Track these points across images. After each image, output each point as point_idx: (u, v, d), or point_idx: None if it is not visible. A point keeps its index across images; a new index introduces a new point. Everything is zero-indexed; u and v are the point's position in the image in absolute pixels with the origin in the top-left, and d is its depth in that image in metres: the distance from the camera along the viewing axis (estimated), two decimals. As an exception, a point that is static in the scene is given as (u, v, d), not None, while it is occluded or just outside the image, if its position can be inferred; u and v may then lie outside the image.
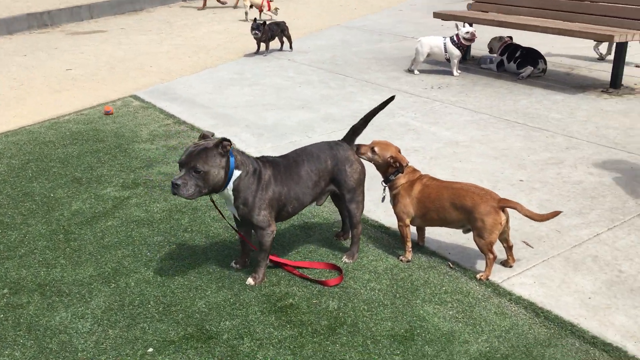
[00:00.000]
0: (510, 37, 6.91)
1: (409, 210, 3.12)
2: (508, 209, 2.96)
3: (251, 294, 2.93)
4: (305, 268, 3.12)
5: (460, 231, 3.29)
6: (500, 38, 6.91)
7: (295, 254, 3.27)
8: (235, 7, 12.38)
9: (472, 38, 6.52)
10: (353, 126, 3.26)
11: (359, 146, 3.23)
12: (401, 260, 3.18)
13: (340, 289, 2.96)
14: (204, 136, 2.82)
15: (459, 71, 6.72)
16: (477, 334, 2.62)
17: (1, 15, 10.20)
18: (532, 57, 6.51)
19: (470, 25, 6.85)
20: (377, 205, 3.76)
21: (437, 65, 7.11)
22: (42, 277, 3.13)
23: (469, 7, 7.57)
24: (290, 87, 6.44)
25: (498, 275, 3.03)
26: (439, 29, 8.91)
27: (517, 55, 6.60)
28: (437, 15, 7.23)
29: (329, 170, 3.08)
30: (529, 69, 6.46)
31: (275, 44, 8.20)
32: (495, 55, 6.90)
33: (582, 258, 3.15)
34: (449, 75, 6.72)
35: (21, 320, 2.80)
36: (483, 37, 7.81)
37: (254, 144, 4.90)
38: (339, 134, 5.03)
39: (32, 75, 7.29)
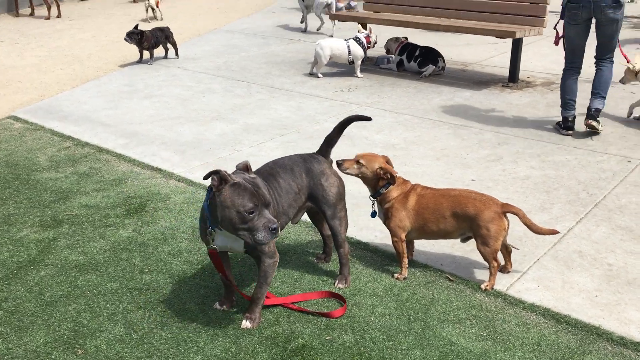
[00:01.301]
0: (406, 38, 6.97)
1: (405, 225, 2.91)
2: (508, 219, 2.86)
3: (252, 339, 2.56)
4: (301, 302, 2.80)
5: (444, 241, 3.15)
6: (397, 39, 6.95)
7: (280, 285, 2.93)
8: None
9: (375, 40, 6.55)
10: (327, 136, 2.99)
11: (341, 162, 2.95)
12: (397, 278, 2.97)
13: (347, 319, 2.69)
14: (245, 167, 2.50)
15: (362, 73, 6.65)
16: (511, 351, 2.48)
17: None
18: (432, 56, 6.61)
19: (365, 27, 6.83)
20: (353, 222, 3.51)
21: (335, 67, 6.99)
22: (-20, 352, 2.51)
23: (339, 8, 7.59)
24: (193, 97, 5.97)
25: (500, 282, 2.93)
26: (321, 29, 8.83)
27: (416, 54, 6.67)
28: (334, 16, 7.11)
29: (305, 185, 2.80)
30: (430, 68, 6.55)
31: (159, 51, 7.61)
32: (393, 55, 6.92)
33: (568, 255, 3.15)
34: (350, 77, 6.63)
35: (-26, 415, 2.20)
36: (379, 38, 7.86)
37: (180, 162, 4.42)
38: (268, 145, 4.72)
39: None
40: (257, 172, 2.76)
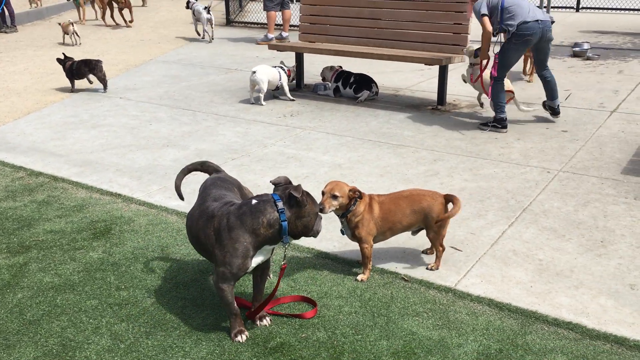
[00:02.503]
0: (340, 66, 7.41)
1: (373, 232, 3.25)
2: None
3: (235, 341, 2.79)
4: (278, 305, 3.06)
5: (395, 247, 3.50)
6: (332, 67, 7.37)
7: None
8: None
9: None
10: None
11: (321, 206, 3.06)
12: (361, 280, 3.28)
13: (318, 319, 2.97)
14: (286, 181, 2.81)
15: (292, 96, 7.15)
16: (464, 335, 2.83)
17: None
18: (366, 82, 7.06)
19: (301, 55, 7.25)
20: (307, 233, 3.81)
21: (277, 94, 7.31)
22: (-29, 370, 2.62)
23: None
24: (141, 126, 6.13)
25: (449, 280, 3.29)
26: (255, 60, 9.16)
27: (351, 81, 7.10)
28: (272, 46, 7.46)
29: None
30: (365, 93, 6.99)
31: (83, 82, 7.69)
32: (329, 82, 7.33)
33: (504, 254, 3.57)
34: (290, 103, 6.97)
35: None
36: (314, 66, 8.26)
37: (138, 187, 4.60)
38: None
39: None
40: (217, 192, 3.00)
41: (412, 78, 8.15)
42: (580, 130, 5.78)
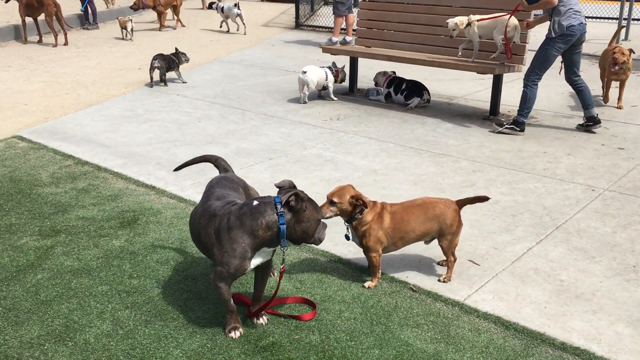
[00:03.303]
0: (394, 72, 7.33)
1: (382, 241, 3.18)
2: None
3: (228, 337, 2.81)
4: (278, 306, 3.06)
5: (410, 255, 3.42)
6: (385, 72, 7.30)
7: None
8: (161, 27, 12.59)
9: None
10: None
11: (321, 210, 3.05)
12: (369, 287, 3.23)
13: (316, 322, 2.94)
14: (292, 185, 2.77)
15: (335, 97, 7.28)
16: (460, 352, 2.73)
17: None
18: (417, 88, 6.95)
19: (355, 59, 7.24)
20: (330, 238, 3.78)
21: (328, 98, 7.32)
22: (-21, 342, 2.77)
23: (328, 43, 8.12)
24: (190, 123, 6.30)
25: (459, 294, 3.19)
26: (316, 63, 9.20)
27: (403, 87, 7.02)
28: (326, 50, 7.48)
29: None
30: (416, 100, 6.89)
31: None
32: (381, 87, 7.27)
33: (525, 271, 3.41)
34: (340, 107, 6.96)
35: (-28, 394, 2.45)
36: (369, 72, 8.23)
37: (174, 181, 4.72)
38: (257, 168, 5.02)
39: None
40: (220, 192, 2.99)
41: (470, 87, 7.95)
42: (638, 148, 5.46)
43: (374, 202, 3.24)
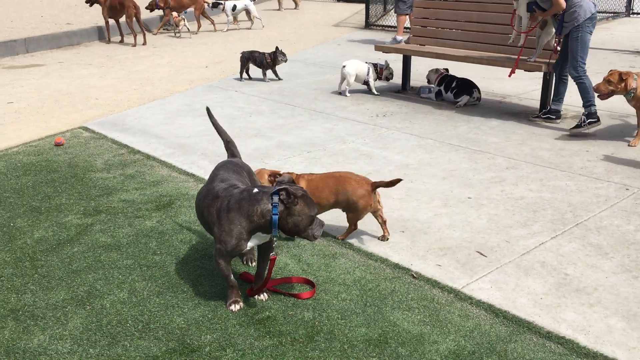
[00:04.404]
0: (446, 69, 7.34)
1: None
2: (378, 190, 3.66)
3: (227, 310, 3.03)
4: (280, 284, 3.26)
5: (418, 245, 3.52)
6: (437, 70, 7.33)
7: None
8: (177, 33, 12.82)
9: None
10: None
11: None
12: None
13: (313, 301, 3.11)
14: (291, 180, 3.00)
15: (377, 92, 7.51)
16: (444, 334, 2.82)
17: None
18: (467, 87, 6.94)
19: (408, 57, 7.32)
20: (338, 223, 3.95)
21: (380, 95, 7.44)
22: (13, 303, 3.13)
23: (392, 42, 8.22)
24: (241, 117, 6.60)
25: (458, 282, 3.26)
26: (378, 62, 9.31)
27: (453, 85, 7.02)
28: (378, 48, 7.60)
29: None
30: (465, 98, 6.88)
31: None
32: (433, 85, 7.31)
33: (531, 264, 3.43)
34: (389, 103, 7.06)
35: (-2, 344, 2.80)
36: (421, 69, 8.27)
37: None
38: (294, 160, 5.23)
39: (-28, 108, 7.15)
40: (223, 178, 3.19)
41: (526, 86, 7.83)
42: (689, 149, 5.25)
43: (296, 174, 3.61)
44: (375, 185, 3.56)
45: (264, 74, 8.34)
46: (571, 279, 3.27)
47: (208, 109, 3.85)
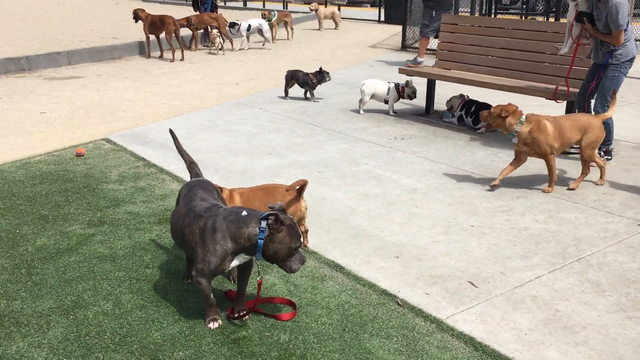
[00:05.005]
0: (467, 95, 7.26)
1: None
2: (305, 201, 3.77)
3: (204, 327, 3.04)
4: (262, 304, 3.25)
5: (410, 271, 3.46)
6: (461, 95, 7.26)
7: (249, 290, 3.40)
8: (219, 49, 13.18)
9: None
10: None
11: None
12: None
13: (292, 323, 3.09)
14: (282, 209, 2.97)
15: (394, 111, 7.57)
16: (418, 366, 2.76)
17: (-21, 58, 10.38)
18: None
19: (432, 81, 7.28)
20: (333, 245, 3.93)
21: (402, 118, 7.41)
22: (2, 308, 3.21)
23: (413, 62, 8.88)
24: (260, 134, 6.67)
25: (443, 312, 3.19)
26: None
27: (472, 110, 6.94)
28: (402, 71, 7.58)
29: None
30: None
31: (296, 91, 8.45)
32: (456, 110, 7.23)
33: (522, 298, 3.34)
34: (408, 126, 7.02)
35: (-22, 348, 2.87)
36: (449, 93, 8.20)
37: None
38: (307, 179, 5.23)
39: (5, 117, 7.43)
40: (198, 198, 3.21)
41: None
42: None
43: (228, 190, 3.82)
44: (298, 192, 3.72)
45: (312, 94, 8.45)
46: (561, 316, 3.16)
47: (171, 131, 3.99)
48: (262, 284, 3.46)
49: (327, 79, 8.41)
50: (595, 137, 5.01)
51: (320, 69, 8.41)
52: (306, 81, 8.38)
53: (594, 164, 5.13)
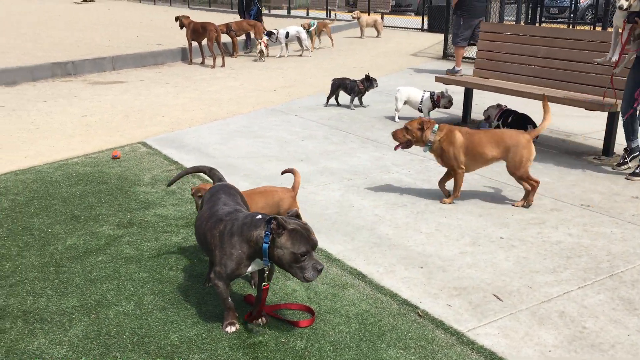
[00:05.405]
0: (506, 105, 7.12)
1: None
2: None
3: (221, 331, 3.04)
4: (280, 309, 3.24)
5: (434, 282, 3.40)
6: (498, 105, 7.12)
7: (270, 296, 3.39)
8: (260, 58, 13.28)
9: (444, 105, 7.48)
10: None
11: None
12: None
13: (310, 330, 3.07)
14: (296, 215, 2.93)
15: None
16: (434, 379, 2.70)
17: (27, 63, 10.73)
18: (522, 122, 6.68)
19: (470, 90, 7.17)
20: (357, 253, 3.89)
21: (438, 127, 7.32)
22: (28, 305, 3.29)
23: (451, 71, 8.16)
24: (293, 141, 6.68)
25: (464, 325, 3.12)
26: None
27: (510, 121, 6.80)
28: (438, 79, 7.50)
29: None
30: (521, 134, 6.62)
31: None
32: (493, 121, 7.09)
33: (548, 313, 3.23)
34: (448, 136, 6.92)
35: (1, 343, 2.94)
36: (484, 103, 8.07)
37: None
38: (332, 187, 5.22)
39: (49, 120, 7.64)
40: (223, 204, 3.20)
41: (596, 124, 7.44)
42: None
43: None
44: (296, 190, 3.87)
45: (360, 101, 8.47)
46: (588, 333, 3.04)
47: (170, 184, 3.96)
48: (283, 290, 3.45)
49: (375, 85, 8.39)
50: (520, 157, 4.66)
51: (368, 75, 8.40)
52: (353, 88, 8.36)
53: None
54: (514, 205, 4.76)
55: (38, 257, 3.85)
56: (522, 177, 4.74)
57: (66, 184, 5.24)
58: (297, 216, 2.95)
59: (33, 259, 3.83)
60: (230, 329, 3.04)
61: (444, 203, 4.81)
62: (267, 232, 2.82)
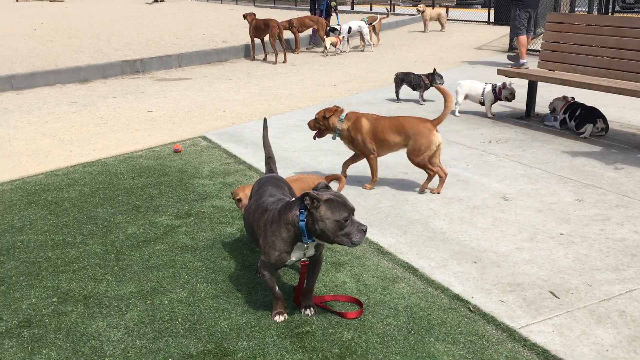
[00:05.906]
0: (573, 97, 6.87)
1: None
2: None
3: (271, 320, 3.08)
4: (328, 301, 3.25)
5: (487, 277, 3.32)
6: (564, 97, 6.88)
7: (319, 287, 3.40)
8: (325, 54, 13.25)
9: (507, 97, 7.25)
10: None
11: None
12: None
13: (357, 321, 3.06)
14: (325, 186, 2.94)
15: (492, 114, 7.34)
16: (483, 374, 2.64)
17: (99, 61, 11.17)
18: (591, 115, 6.43)
19: (533, 83, 6.94)
20: (409, 247, 3.85)
21: (500, 121, 7.14)
22: (89, 290, 3.43)
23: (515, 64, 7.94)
24: (350, 135, 6.66)
25: (517, 321, 3.03)
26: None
27: (577, 114, 6.55)
28: (501, 72, 7.31)
29: None
30: (589, 127, 6.38)
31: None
32: (559, 114, 6.86)
33: (608, 312, 3.10)
34: (506, 129, 6.74)
35: (62, 325, 3.08)
36: (550, 96, 7.82)
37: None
38: (388, 180, 5.17)
39: (117, 115, 7.93)
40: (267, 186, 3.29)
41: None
42: None
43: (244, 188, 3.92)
44: (329, 180, 3.85)
45: (421, 96, 8.34)
46: (650, 334, 2.90)
47: (265, 120, 3.93)
48: (333, 282, 3.45)
49: (439, 81, 8.24)
50: (419, 146, 4.68)
51: (434, 70, 8.29)
52: (418, 83, 8.27)
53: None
54: (364, 188, 4.96)
55: (100, 245, 4.00)
56: (420, 165, 4.79)
57: (130, 176, 5.42)
58: (327, 187, 2.94)
59: (95, 246, 3.99)
60: (279, 318, 3.07)
61: (365, 188, 4.93)
62: (301, 210, 2.82)
